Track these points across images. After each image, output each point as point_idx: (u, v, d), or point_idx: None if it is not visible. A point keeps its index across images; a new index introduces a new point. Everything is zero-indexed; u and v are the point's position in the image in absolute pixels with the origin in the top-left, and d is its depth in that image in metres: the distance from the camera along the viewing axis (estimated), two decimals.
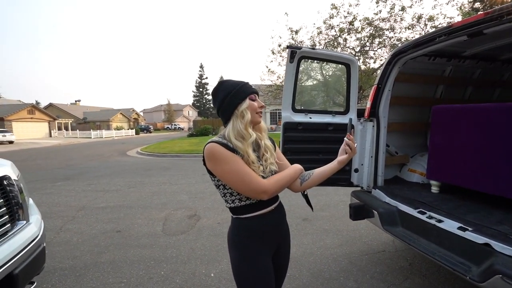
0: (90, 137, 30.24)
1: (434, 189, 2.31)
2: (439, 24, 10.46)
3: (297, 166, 1.17)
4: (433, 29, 10.20)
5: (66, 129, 36.63)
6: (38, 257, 1.71)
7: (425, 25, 10.64)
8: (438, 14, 10.67)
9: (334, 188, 3.14)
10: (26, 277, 1.58)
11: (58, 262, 2.73)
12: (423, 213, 1.83)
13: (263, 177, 1.06)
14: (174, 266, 2.60)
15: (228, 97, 1.06)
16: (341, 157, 1.11)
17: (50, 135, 32.75)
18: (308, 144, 2.32)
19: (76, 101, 53.21)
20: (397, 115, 2.73)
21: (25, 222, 1.77)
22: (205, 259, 2.72)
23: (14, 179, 1.80)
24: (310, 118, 2.31)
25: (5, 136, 22.13)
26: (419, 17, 10.62)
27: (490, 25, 1.48)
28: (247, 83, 1.10)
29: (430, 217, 1.77)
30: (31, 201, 2.10)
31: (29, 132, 29.67)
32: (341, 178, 2.41)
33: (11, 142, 22.37)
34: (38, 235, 1.78)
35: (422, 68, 2.64)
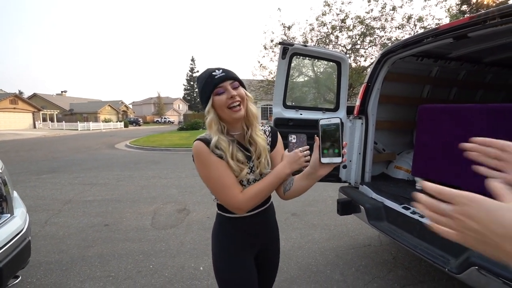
0: (77, 129, 29.39)
1: (419, 186, 2.39)
2: (428, 25, 10.67)
3: (279, 172, 0.97)
4: (422, 30, 10.40)
5: (52, 120, 35.44)
6: (23, 251, 1.68)
7: (415, 25, 10.82)
8: (427, 15, 10.87)
9: (323, 184, 3.22)
10: (10, 271, 1.56)
11: (44, 256, 2.69)
12: (407, 209, 1.90)
13: (250, 181, 0.99)
14: (163, 260, 2.61)
15: (200, 97, 0.99)
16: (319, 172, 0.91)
17: (35, 127, 31.66)
18: None
19: (62, 91, 51.47)
20: (385, 113, 2.79)
21: (9, 215, 1.73)
22: (194, 253, 2.73)
23: None
24: (301, 114, 2.34)
25: None
26: (409, 18, 10.78)
27: (474, 28, 1.54)
28: (210, 74, 0.93)
29: (414, 212, 1.84)
30: (15, 194, 2.05)
31: (11, 123, 28.58)
32: (330, 174, 2.45)
33: None
34: (23, 228, 1.75)
35: (410, 68, 2.71)
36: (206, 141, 0.94)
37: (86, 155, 10.01)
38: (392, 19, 11.01)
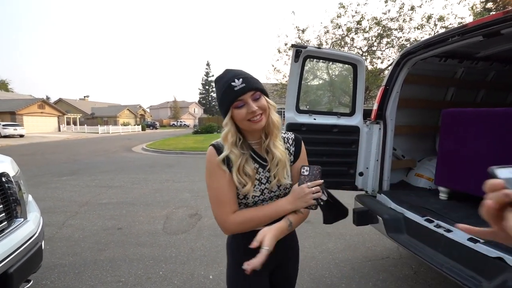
0: (97, 133, 30.59)
1: (443, 196, 2.22)
2: (450, 24, 10.20)
3: (280, 207, 0.92)
4: (443, 29, 9.95)
5: (75, 124, 37.17)
6: (35, 255, 1.69)
7: (435, 25, 10.38)
8: (448, 14, 10.40)
9: (338, 192, 3.06)
10: (21, 276, 1.57)
11: (58, 258, 2.73)
12: (431, 222, 1.75)
13: (265, 193, 0.94)
14: (173, 267, 2.58)
15: (219, 106, 0.94)
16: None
17: (59, 130, 33.26)
18: (312, 146, 2.24)
19: (85, 96, 53.95)
20: (405, 118, 2.64)
21: (22, 219, 1.75)
22: (205, 260, 2.68)
23: (12, 176, 1.79)
24: (315, 119, 2.24)
25: (16, 130, 22.56)
26: (429, 17, 10.36)
27: (508, 25, 1.39)
28: (229, 84, 0.86)
29: (438, 226, 1.69)
30: (30, 198, 2.09)
31: (39, 126, 30.18)
32: (345, 181, 2.35)
33: (21, 136, 22.76)
34: (36, 233, 1.76)
35: (432, 70, 2.54)
36: (218, 148, 0.92)
37: (105, 158, 10.33)
38: (410, 19, 10.63)
